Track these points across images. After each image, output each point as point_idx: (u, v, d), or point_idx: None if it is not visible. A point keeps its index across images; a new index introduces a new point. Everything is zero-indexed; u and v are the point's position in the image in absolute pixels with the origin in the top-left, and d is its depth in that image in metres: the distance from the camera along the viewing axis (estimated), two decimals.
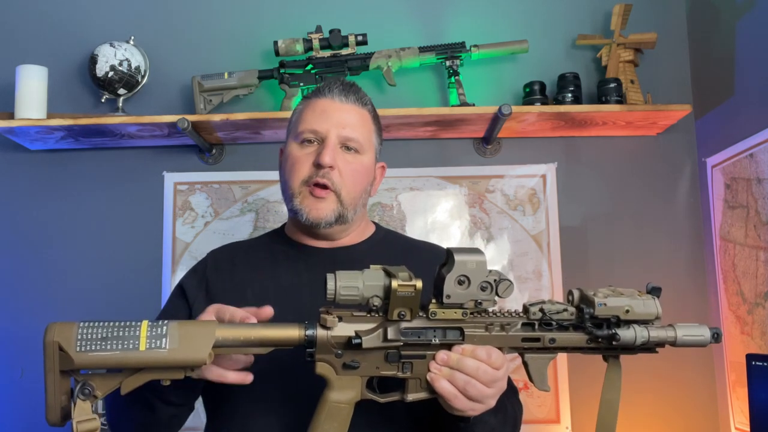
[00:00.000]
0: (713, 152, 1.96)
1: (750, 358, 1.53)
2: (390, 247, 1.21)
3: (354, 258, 1.15)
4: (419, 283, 0.83)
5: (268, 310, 0.91)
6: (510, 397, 1.04)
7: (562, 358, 1.96)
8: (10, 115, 1.91)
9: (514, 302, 1.91)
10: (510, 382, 1.06)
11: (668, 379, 1.96)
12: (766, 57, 1.70)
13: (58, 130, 1.92)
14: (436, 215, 2.07)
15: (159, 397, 0.97)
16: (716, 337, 0.90)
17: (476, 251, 0.87)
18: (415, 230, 2.04)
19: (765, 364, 1.48)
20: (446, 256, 0.88)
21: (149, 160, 2.10)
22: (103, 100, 2.04)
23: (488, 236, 2.05)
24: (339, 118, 1.12)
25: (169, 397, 0.97)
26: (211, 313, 0.91)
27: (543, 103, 1.96)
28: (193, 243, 2.06)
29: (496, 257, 2.03)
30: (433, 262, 0.94)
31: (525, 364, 0.91)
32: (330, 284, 0.83)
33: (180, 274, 2.01)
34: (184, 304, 1.14)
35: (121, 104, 2.03)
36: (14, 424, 1.98)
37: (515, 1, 2.14)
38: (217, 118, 1.89)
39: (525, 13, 2.13)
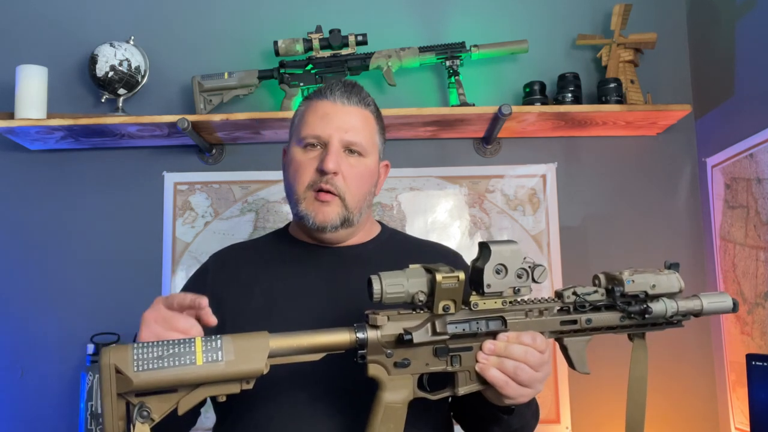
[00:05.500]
0: (713, 152, 1.96)
1: (750, 358, 1.53)
2: (396, 247, 1.21)
3: (361, 257, 1.15)
4: (462, 275, 0.85)
5: (203, 301, 0.88)
6: None
7: (559, 357, 1.95)
8: (10, 115, 1.91)
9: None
10: None
11: (668, 379, 1.96)
12: (766, 57, 1.70)
13: (58, 130, 1.92)
14: (436, 215, 2.07)
15: None
16: (735, 305, 0.97)
17: (510, 241, 0.90)
18: (415, 230, 2.04)
19: (765, 364, 1.49)
20: (479, 250, 0.91)
21: (149, 160, 2.10)
22: (103, 100, 2.04)
23: (488, 236, 2.05)
24: (341, 121, 1.10)
25: None
26: (159, 303, 0.88)
27: (543, 103, 1.96)
28: (193, 243, 2.06)
29: None
30: (438, 261, 0.94)
31: (564, 348, 0.95)
32: (376, 286, 0.84)
33: (180, 274, 2.02)
34: None
35: (121, 104, 2.03)
36: (14, 424, 1.98)
37: (515, 1, 2.14)
38: (217, 118, 1.89)
39: (525, 13, 2.13)
